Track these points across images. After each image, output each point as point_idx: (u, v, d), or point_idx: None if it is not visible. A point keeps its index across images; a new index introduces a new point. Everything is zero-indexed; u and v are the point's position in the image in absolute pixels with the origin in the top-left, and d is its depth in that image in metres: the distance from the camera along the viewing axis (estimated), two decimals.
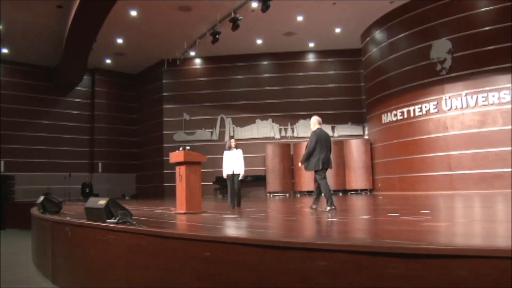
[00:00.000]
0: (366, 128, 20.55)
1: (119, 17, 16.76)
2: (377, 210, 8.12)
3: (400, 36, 17.06)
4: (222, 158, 10.05)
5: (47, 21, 17.20)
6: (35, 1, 15.44)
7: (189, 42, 19.45)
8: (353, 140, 19.84)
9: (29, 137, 21.85)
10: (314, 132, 7.77)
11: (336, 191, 19.16)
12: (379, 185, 18.45)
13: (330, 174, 18.10)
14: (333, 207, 7.52)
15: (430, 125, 15.83)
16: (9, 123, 21.33)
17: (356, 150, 19.30)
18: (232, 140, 9.96)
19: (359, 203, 11.26)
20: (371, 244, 3.05)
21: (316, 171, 7.71)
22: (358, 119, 21.17)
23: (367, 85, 19.71)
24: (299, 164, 7.82)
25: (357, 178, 19.13)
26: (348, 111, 21.25)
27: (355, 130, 21.13)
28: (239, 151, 9.87)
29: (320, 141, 7.66)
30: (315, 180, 7.87)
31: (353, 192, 19.22)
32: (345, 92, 21.46)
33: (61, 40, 17.96)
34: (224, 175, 9.92)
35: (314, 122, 7.96)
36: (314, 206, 8.04)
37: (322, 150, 7.66)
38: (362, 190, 19.06)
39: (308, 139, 7.86)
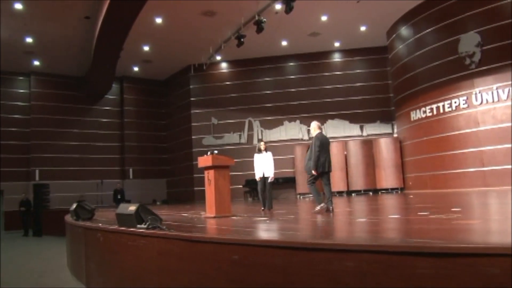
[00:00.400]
0: (395, 126, 20.31)
1: (145, 25, 16.99)
2: (407, 209, 8.01)
3: (427, 31, 16.77)
4: (251, 161, 10.13)
5: (75, 32, 17.63)
6: (63, 13, 15.86)
7: (214, 46, 19.56)
8: (382, 138, 19.67)
9: (61, 146, 22.44)
10: (316, 137, 7.82)
11: (366, 191, 19.24)
12: (410, 183, 18.18)
13: (360, 173, 19.09)
14: (331, 208, 7.82)
15: (460, 120, 15.50)
16: (42, 133, 22.03)
17: (385, 149, 19.09)
18: (262, 143, 10.00)
19: (389, 202, 11.15)
20: (400, 243, 2.99)
21: (322, 174, 7.78)
22: (387, 118, 20.91)
23: (395, 83, 19.46)
24: (313, 171, 7.67)
25: (387, 177, 18.92)
26: (376, 109, 21.06)
27: (384, 128, 20.89)
28: (269, 154, 9.86)
29: (322, 145, 7.75)
30: (311, 183, 7.93)
31: (383, 191, 19.01)
32: (373, 91, 21.26)
33: (89, 50, 18.35)
34: (257, 178, 9.93)
35: (315, 127, 8.04)
36: (331, 207, 8.01)
37: (325, 154, 7.77)
38: (392, 189, 18.83)
39: (318, 142, 7.70)
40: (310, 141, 7.83)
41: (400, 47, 18.47)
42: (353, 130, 21.09)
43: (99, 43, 16.07)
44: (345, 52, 21.76)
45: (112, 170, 23.64)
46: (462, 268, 2.59)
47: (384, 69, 21.25)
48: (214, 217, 7.56)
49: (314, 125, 8.10)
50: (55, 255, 11.64)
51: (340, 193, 19.47)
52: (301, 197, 19.85)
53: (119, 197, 20.17)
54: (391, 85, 20.52)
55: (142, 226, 5.31)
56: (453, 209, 6.54)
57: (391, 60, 19.85)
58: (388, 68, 20.73)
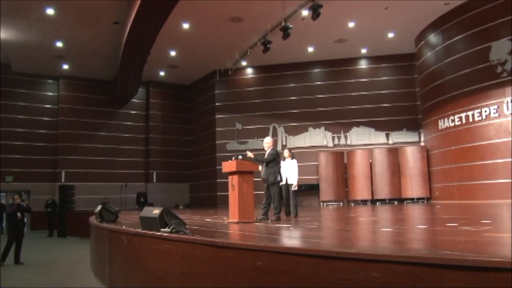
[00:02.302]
0: (422, 135, 20.03)
1: (172, 30, 17.16)
2: (434, 219, 7.93)
3: (457, 38, 16.53)
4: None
5: (104, 37, 17.97)
6: (93, 19, 16.19)
7: (240, 52, 19.64)
8: (408, 147, 19.43)
9: (87, 149, 22.84)
10: (275, 149, 8.53)
11: (391, 200, 19.01)
12: (437, 193, 17.91)
13: (385, 182, 18.93)
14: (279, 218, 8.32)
15: (490, 130, 15.19)
16: (69, 136, 22.50)
17: (412, 157, 18.86)
18: (286, 151, 10.10)
19: (415, 212, 11.04)
20: (428, 255, 2.93)
21: (273, 184, 8.35)
22: (413, 126, 20.64)
23: (422, 90, 19.22)
24: (248, 153, 8.43)
25: (413, 186, 18.68)
26: (403, 117, 20.82)
27: (411, 136, 20.60)
28: (294, 161, 9.90)
29: (279, 157, 8.50)
30: (268, 192, 8.45)
31: (409, 200, 18.78)
32: (399, 98, 21.05)
33: (117, 55, 18.61)
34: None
35: (269, 142, 8.63)
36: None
37: (278, 165, 8.50)
38: (418, 198, 18.59)
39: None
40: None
41: (429, 54, 18.24)
42: (379, 138, 20.90)
43: (127, 48, 16.28)
44: (372, 58, 21.62)
45: (136, 173, 23.97)
46: (493, 282, 2.51)
47: (412, 77, 21.02)
48: (237, 223, 7.56)
49: (270, 140, 8.73)
50: (79, 256, 11.80)
51: (364, 201, 19.40)
52: (324, 204, 19.84)
53: (142, 200, 20.68)
54: (418, 93, 20.28)
55: (166, 230, 5.33)
56: (482, 221, 6.43)
57: (419, 67, 19.62)
58: (416, 75, 20.47)
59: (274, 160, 8.33)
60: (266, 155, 8.42)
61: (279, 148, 20.92)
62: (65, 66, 21.60)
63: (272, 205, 8.47)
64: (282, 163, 9.92)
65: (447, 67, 16.99)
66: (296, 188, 9.73)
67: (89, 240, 10.44)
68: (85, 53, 19.77)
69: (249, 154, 8.47)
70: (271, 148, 8.49)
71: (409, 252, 3.13)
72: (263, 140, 8.87)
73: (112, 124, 23.81)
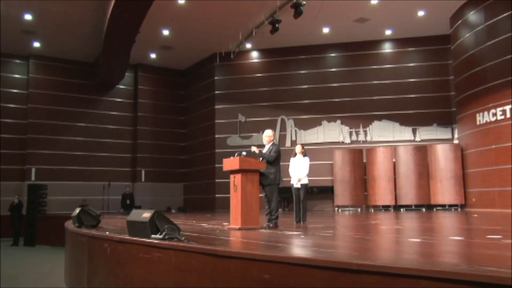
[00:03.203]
0: (456, 131, 19.95)
1: (166, 5, 17.08)
2: (471, 230, 7.94)
3: (502, 16, 16.34)
4: (284, 165, 10.11)
5: (84, 10, 17.71)
6: None
7: (244, 32, 19.65)
8: (439, 145, 19.34)
9: (63, 142, 22.69)
10: (277, 145, 8.67)
11: (418, 206, 19.01)
12: (473, 199, 17.80)
13: (410, 185, 18.87)
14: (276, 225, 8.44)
15: None
16: (40, 126, 22.30)
17: (443, 157, 18.77)
18: (298, 146, 10.40)
19: (447, 221, 11.06)
20: (469, 271, 2.88)
21: (272, 185, 8.46)
22: (446, 120, 20.54)
23: (458, 79, 19.05)
24: (253, 148, 8.66)
25: (444, 191, 18.58)
26: (433, 110, 20.67)
27: (442, 133, 20.53)
28: (305, 159, 10.17)
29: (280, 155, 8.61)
30: (269, 197, 8.55)
31: (439, 207, 18.69)
32: (430, 88, 20.91)
33: (100, 32, 18.57)
34: (292, 185, 10.35)
35: (270, 135, 8.79)
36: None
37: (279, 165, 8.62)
38: (451, 205, 18.51)
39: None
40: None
41: (467, 36, 18.09)
42: (404, 133, 20.83)
43: (112, 24, 16.14)
44: (397, 41, 21.53)
45: (122, 171, 23.94)
46: None
47: (445, 63, 20.85)
48: (240, 229, 7.66)
49: (270, 133, 8.89)
50: (50, 268, 11.74)
51: (386, 207, 19.40)
52: (339, 210, 19.85)
53: (128, 202, 20.64)
54: (452, 82, 20.09)
55: (158, 236, 5.42)
56: None
57: (454, 52, 19.42)
58: (450, 61, 20.26)
59: (278, 157, 8.49)
60: (267, 151, 8.52)
61: (288, 144, 21.39)
62: (36, 44, 21.37)
63: (268, 208, 8.55)
64: (292, 160, 10.40)
65: (489, 51, 16.83)
66: (305, 182, 10.06)
67: (63, 249, 10.40)
68: (61, 28, 19.48)
69: (254, 148, 8.65)
70: (271, 143, 8.63)
71: (445, 267, 3.13)
72: None
73: (93, 114, 23.64)
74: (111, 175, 23.11)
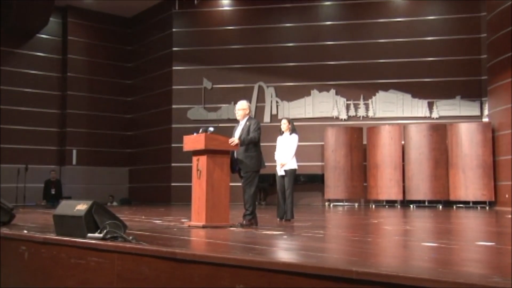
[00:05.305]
0: (486, 106, 19.71)
1: None
2: (503, 234, 8.01)
3: None
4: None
5: None
6: None
7: None
8: (463, 123, 18.94)
9: None
10: (256, 119, 8.79)
11: (432, 202, 19.02)
12: (507, 196, 17.39)
13: (424, 175, 19.66)
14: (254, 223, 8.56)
15: None
16: None
17: (468, 140, 18.32)
18: (284, 122, 10.41)
19: (471, 222, 11.35)
20: (502, 284, 2.89)
21: (252, 172, 8.49)
22: (473, 91, 20.11)
23: (492, 37, 18.65)
24: (236, 140, 8.27)
25: (468, 184, 18.17)
26: (457, 78, 20.23)
27: (468, 108, 20.11)
28: (293, 137, 10.21)
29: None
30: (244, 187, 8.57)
31: (460, 205, 18.49)
32: (454, 49, 20.42)
33: None
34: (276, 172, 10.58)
35: (245, 108, 8.72)
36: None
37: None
38: (476, 202, 18.26)
39: None
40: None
41: None
42: (418, 108, 20.51)
43: None
44: None
45: (45, 151, 23.37)
46: None
47: (476, 15, 20.47)
48: (204, 227, 7.81)
49: (246, 105, 8.80)
50: None
51: (391, 203, 19.37)
52: (331, 205, 19.93)
53: (53, 192, 20.45)
54: (485, 41, 19.68)
55: (96, 235, 5.46)
56: None
57: (487, 2, 19.18)
58: (483, 13, 19.90)
59: (259, 136, 8.64)
60: (245, 128, 8.49)
61: (267, 119, 21.37)
62: None
63: (245, 202, 8.61)
64: (279, 139, 10.49)
65: None
66: (292, 168, 9.99)
67: None
68: None
69: (234, 140, 8.28)
70: (247, 117, 8.64)
71: (470, 278, 3.24)
72: None
73: (4, 72, 22.39)
74: (30, 156, 22.07)
